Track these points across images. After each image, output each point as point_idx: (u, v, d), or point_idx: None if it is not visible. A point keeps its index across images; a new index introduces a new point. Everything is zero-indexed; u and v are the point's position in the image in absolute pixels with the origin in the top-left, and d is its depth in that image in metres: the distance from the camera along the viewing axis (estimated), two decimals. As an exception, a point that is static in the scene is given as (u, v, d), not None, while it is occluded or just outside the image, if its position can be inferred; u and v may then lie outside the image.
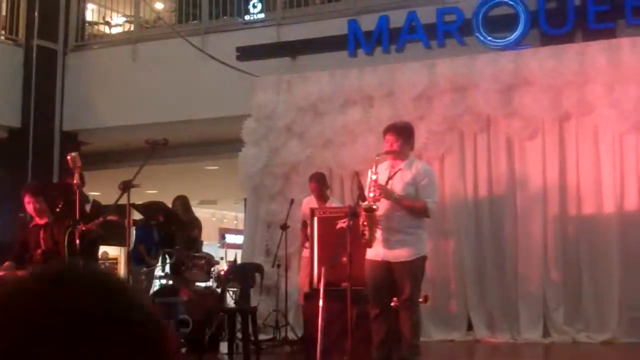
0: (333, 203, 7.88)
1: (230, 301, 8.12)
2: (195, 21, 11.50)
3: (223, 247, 10.45)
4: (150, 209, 6.80)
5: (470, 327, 8.43)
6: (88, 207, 6.02)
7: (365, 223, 5.33)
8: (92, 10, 12.99)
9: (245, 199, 10.47)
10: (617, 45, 8.08)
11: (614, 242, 7.99)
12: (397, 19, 9.23)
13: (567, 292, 8.17)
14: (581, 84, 8.16)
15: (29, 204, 6.32)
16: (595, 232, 8.12)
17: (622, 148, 8.11)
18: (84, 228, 5.18)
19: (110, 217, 5.34)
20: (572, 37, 8.60)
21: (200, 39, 10.69)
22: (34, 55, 11.41)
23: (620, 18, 8.47)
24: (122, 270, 18.69)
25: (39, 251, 6.23)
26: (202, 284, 8.34)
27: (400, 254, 5.39)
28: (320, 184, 7.92)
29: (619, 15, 8.46)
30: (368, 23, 9.41)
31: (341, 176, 9.08)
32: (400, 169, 5.49)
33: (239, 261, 9.06)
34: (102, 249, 18.72)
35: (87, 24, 12.54)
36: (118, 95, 11.19)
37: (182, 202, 8.59)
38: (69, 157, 5.41)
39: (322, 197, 7.93)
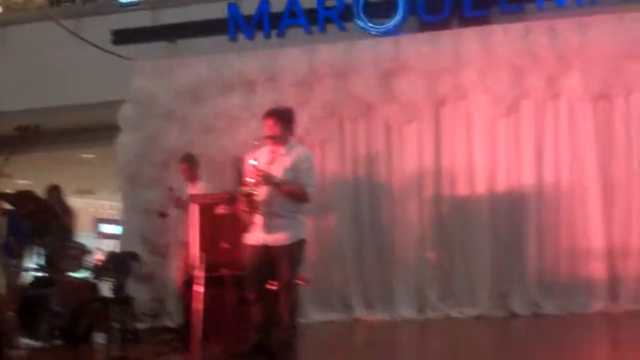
0: (203, 186, 7.79)
1: (108, 291, 7.91)
2: (68, 3, 11.10)
3: (99, 237, 10.20)
4: (20, 198, 6.53)
5: (349, 307, 8.56)
6: None
7: (245, 209, 5.30)
8: (-43, -10, 12.32)
9: (121, 187, 10.22)
10: (490, 32, 8.40)
11: (485, 222, 8.35)
12: (278, 3, 9.25)
13: (441, 271, 8.49)
14: (456, 69, 8.44)
15: None
16: (468, 213, 8.45)
17: (494, 132, 8.44)
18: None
19: None
20: (448, 24, 8.88)
21: (74, 22, 10.32)
22: None
23: (495, 5, 8.81)
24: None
25: None
26: (77, 275, 8.10)
27: (279, 238, 5.41)
28: (189, 164, 7.84)
29: (493, 2, 8.80)
30: (249, 7, 9.40)
31: (222, 163, 8.99)
32: (280, 154, 5.49)
33: (117, 251, 8.84)
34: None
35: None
36: (-14, 80, 10.66)
37: (55, 191, 8.31)
38: None
39: (192, 177, 7.84)
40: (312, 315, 8.28)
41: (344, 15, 9.10)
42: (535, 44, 8.17)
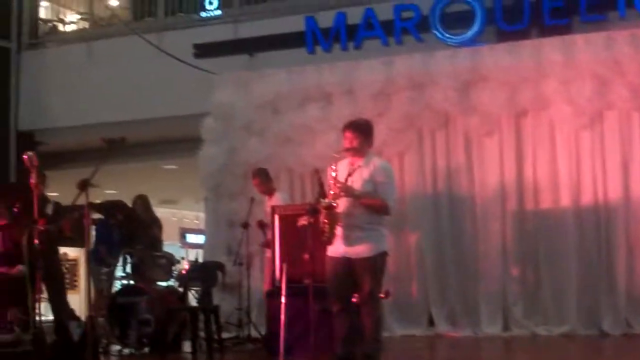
0: (280, 197, 7.94)
1: (192, 300, 8.13)
2: (151, 18, 11.44)
3: (184, 247, 10.44)
4: (110, 208, 6.79)
5: (431, 322, 8.57)
6: (50, 209, 6.01)
7: (325, 220, 5.39)
8: (46, 7, 12.83)
9: (205, 198, 10.47)
10: (572, 41, 8.28)
11: (570, 236, 8.18)
12: (355, 15, 9.32)
13: (526, 287, 8.36)
14: (537, 80, 8.34)
15: (-12, 205, 6.28)
16: (553, 227, 8.29)
17: (577, 143, 8.31)
18: (42, 228, 5.17)
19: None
20: (527, 34, 8.79)
21: (157, 36, 10.64)
22: (-14, 52, 11.26)
23: (575, 14, 8.68)
24: (82, 271, 18.55)
25: (-2, 252, 6.21)
26: (164, 283, 8.35)
27: (360, 250, 5.45)
28: (261, 179, 8.00)
29: (573, 11, 8.67)
30: (326, 20, 9.49)
31: (301, 174, 9.15)
32: (359, 166, 5.55)
33: (200, 260, 9.07)
34: (62, 250, 18.52)
35: (40, 22, 12.38)
36: (74, 94, 11.09)
37: (142, 201, 8.57)
38: (25, 157, 5.39)
39: (267, 191, 8.01)
40: (394, 328, 8.31)
41: (421, 26, 9.10)
42: (619, 53, 8.00)
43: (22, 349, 5.14)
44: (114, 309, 7.57)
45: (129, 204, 8.50)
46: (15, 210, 5.91)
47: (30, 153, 5.44)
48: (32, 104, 11.42)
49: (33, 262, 5.53)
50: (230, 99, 9.43)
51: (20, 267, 5.79)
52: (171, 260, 8.19)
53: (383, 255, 5.58)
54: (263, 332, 7.74)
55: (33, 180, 5.34)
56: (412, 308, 8.61)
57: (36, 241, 5.18)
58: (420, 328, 8.51)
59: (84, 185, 5.11)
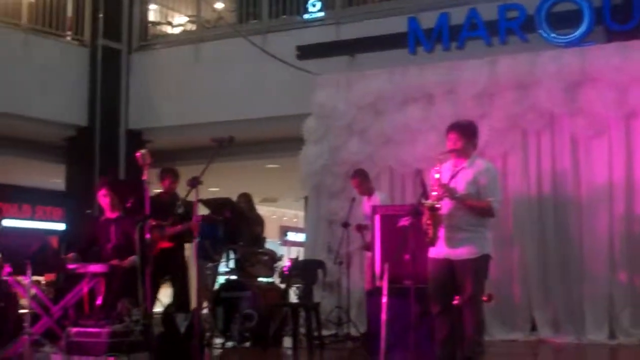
0: (379, 197, 7.94)
1: (293, 297, 8.24)
2: (255, 20, 11.64)
3: (284, 245, 10.56)
4: (219, 205, 6.96)
5: (534, 327, 8.37)
6: (181, 208, 6.21)
7: (428, 222, 5.35)
8: (155, 10, 13.26)
9: (305, 197, 10.58)
10: (685, 41, 7.92)
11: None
12: (458, 16, 9.21)
13: (634, 293, 8.03)
14: (647, 80, 8.03)
15: (106, 197, 6.52)
16: (663, 231, 7.97)
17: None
18: (154, 223, 5.34)
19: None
20: (638, 33, 8.46)
21: (261, 38, 10.82)
22: (99, 55, 11.72)
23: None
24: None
25: (110, 245, 6.45)
26: (266, 280, 8.50)
27: (462, 252, 5.39)
28: (360, 179, 8.02)
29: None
30: (428, 20, 9.41)
31: (402, 175, 9.12)
32: (462, 168, 5.50)
33: (301, 258, 9.18)
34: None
35: (149, 24, 12.81)
36: (181, 94, 11.41)
37: (246, 199, 8.74)
38: (138, 154, 5.57)
39: (366, 191, 8.01)
40: (495, 333, 8.15)
41: (526, 26, 8.89)
42: None
43: (132, 339, 5.32)
44: (218, 303, 7.75)
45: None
46: (128, 205, 6.11)
47: (143, 151, 5.62)
48: (141, 104, 11.82)
49: (144, 255, 5.73)
50: (331, 99, 9.50)
51: (133, 259, 5.99)
52: (273, 257, 8.34)
53: (486, 257, 5.50)
54: (362, 331, 7.77)
55: (145, 177, 5.51)
56: (514, 312, 8.42)
57: (148, 235, 5.36)
58: (522, 333, 8.31)
59: (194, 183, 5.24)
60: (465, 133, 5.55)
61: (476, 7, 9.13)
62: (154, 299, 6.89)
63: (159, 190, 7.56)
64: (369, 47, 9.89)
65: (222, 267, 8.32)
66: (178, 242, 7.15)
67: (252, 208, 8.62)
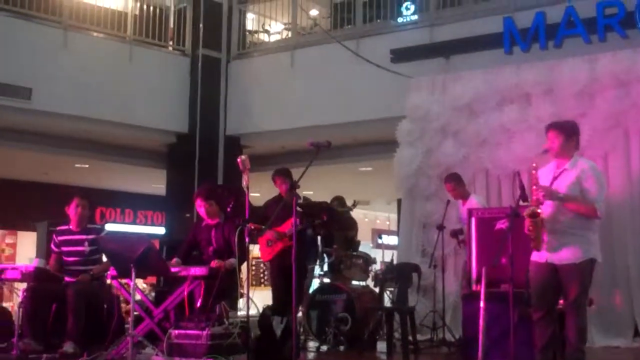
0: (476, 200, 7.73)
1: (387, 301, 8.12)
2: (349, 26, 11.59)
3: (377, 248, 10.45)
4: (317, 208, 6.92)
5: (636, 333, 7.95)
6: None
7: (531, 228, 5.14)
8: (252, 19, 13.42)
9: (398, 200, 10.44)
10: None
11: None
12: (554, 14, 8.89)
13: None
14: None
15: (201, 207, 6.61)
16: None
17: None
18: (252, 227, 5.34)
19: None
20: None
21: (355, 43, 10.76)
22: (199, 64, 11.94)
23: None
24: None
25: (211, 249, 6.51)
26: (360, 283, 8.41)
27: (566, 256, 5.17)
28: (454, 183, 7.83)
29: None
30: (524, 20, 9.13)
31: (498, 177, 8.87)
32: (565, 169, 5.27)
33: (395, 262, 9.05)
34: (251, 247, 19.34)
35: (247, 33, 12.96)
36: (277, 100, 11.49)
37: (340, 202, 8.69)
38: (239, 160, 5.57)
39: (461, 196, 7.82)
40: (596, 339, 7.78)
41: (626, 22, 8.48)
42: None
43: (230, 341, 5.34)
44: (313, 307, 7.71)
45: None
46: (228, 210, 6.15)
47: (243, 157, 5.62)
48: (239, 111, 11.96)
49: (242, 259, 5.74)
50: (426, 101, 9.35)
51: (232, 261, 6.02)
52: (368, 260, 8.24)
53: (591, 262, 5.27)
54: (457, 336, 7.58)
55: (245, 182, 5.51)
56: (615, 318, 8.01)
57: (247, 239, 5.36)
58: (625, 339, 7.90)
59: (293, 186, 5.22)
60: (565, 131, 5.33)
61: (574, 4, 8.78)
62: (281, 302, 6.95)
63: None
64: (463, 49, 9.68)
65: (317, 271, 8.27)
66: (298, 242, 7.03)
67: (344, 211, 8.51)
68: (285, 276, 6.95)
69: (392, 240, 11.30)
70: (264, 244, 7.02)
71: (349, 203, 8.80)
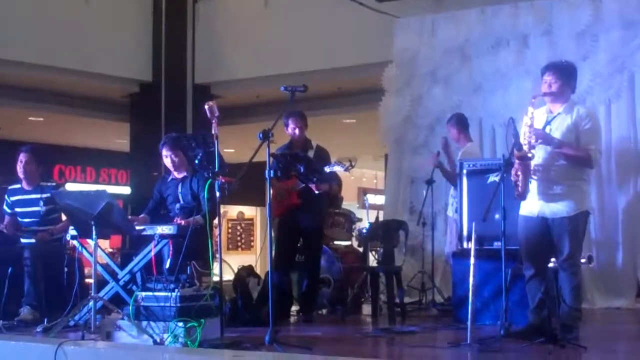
0: (472, 147, 7.84)
1: (372, 261, 8.30)
2: (330, -39, 11.54)
3: (363, 208, 10.60)
4: (290, 159, 7.01)
5: (639, 293, 8.21)
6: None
7: (518, 173, 5.29)
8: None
9: (385, 155, 10.56)
10: None
11: None
12: (555, -53, 8.94)
13: None
14: None
15: (167, 158, 6.70)
16: None
17: None
18: (223, 180, 5.45)
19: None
20: None
21: (336, -21, 10.75)
22: (163, 3, 11.86)
23: None
24: (258, 230, 19.42)
25: (178, 205, 6.63)
26: (343, 243, 8.58)
27: (558, 209, 5.33)
28: (459, 126, 7.92)
29: None
30: (522, -47, 9.17)
31: (492, 126, 9.01)
32: (559, 114, 5.41)
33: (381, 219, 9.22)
34: (238, 208, 19.53)
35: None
36: (251, 44, 11.46)
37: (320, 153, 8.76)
38: (206, 106, 5.63)
39: (462, 140, 7.93)
40: (596, 300, 8.02)
41: (635, -44, 8.59)
42: None
43: (202, 304, 5.49)
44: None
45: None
46: (196, 162, 6.25)
47: (210, 103, 5.68)
48: (209, 56, 11.94)
49: (212, 215, 5.86)
50: (414, 44, 9.43)
51: (197, 218, 6.14)
52: (351, 219, 8.39)
53: (584, 214, 5.44)
54: (447, 297, 7.80)
55: (214, 131, 5.60)
56: (617, 277, 8.22)
57: (218, 194, 5.46)
58: (626, 300, 8.14)
59: (265, 136, 5.31)
60: (563, 74, 5.46)
61: None
62: (288, 264, 7.08)
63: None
64: (456, -15, 9.70)
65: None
66: (310, 198, 7.02)
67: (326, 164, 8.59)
68: (292, 237, 7.14)
69: (380, 199, 11.44)
70: (275, 197, 7.10)
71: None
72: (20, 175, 7.04)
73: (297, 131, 7.21)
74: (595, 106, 7.90)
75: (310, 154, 7.13)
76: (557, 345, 4.97)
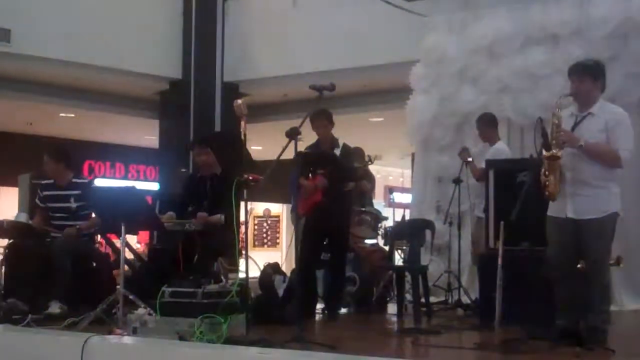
0: (501, 147, 7.75)
1: (398, 260, 8.25)
2: (360, -40, 11.50)
3: (390, 206, 10.51)
4: (321, 159, 6.97)
5: (669, 295, 8.09)
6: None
7: (547, 173, 5.21)
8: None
9: (412, 154, 10.50)
10: None
11: None
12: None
13: None
14: None
15: (199, 156, 6.69)
16: None
17: None
18: (250, 177, 5.42)
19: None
20: None
21: (363, -21, 10.72)
22: (194, 2, 11.91)
23: None
24: (284, 227, 19.41)
25: (206, 203, 6.63)
26: (370, 241, 8.53)
27: (588, 211, 5.24)
28: (486, 126, 7.84)
29: None
30: (553, -47, 9.07)
31: (521, 126, 8.91)
32: (589, 114, 5.32)
33: (407, 218, 9.15)
34: (264, 205, 19.55)
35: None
36: (279, 43, 11.49)
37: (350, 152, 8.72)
38: (235, 105, 5.60)
39: (490, 139, 7.85)
40: (625, 302, 7.91)
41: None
42: None
43: (228, 300, 5.46)
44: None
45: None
46: (224, 160, 6.22)
47: (239, 101, 5.65)
48: (238, 54, 11.97)
49: (237, 213, 5.84)
50: (442, 43, 9.37)
51: (218, 216, 6.12)
52: (377, 217, 8.34)
53: (614, 216, 5.34)
54: (474, 298, 7.71)
55: (243, 129, 5.57)
56: (645, 279, 8.14)
57: (245, 191, 5.43)
58: (657, 302, 8.04)
59: (292, 134, 5.27)
60: (591, 74, 5.37)
61: None
62: (313, 263, 7.03)
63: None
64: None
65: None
66: (336, 197, 6.93)
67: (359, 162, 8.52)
68: (318, 235, 7.08)
69: (406, 198, 11.39)
70: (302, 195, 7.05)
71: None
72: (49, 175, 7.08)
73: (322, 130, 7.14)
74: (627, 106, 7.73)
75: (337, 152, 7.06)
76: (584, 348, 4.88)
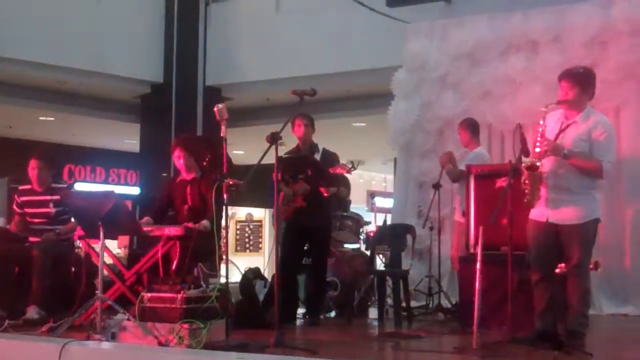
0: (480, 153, 7.77)
1: (379, 264, 8.25)
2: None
3: (372, 211, 10.53)
4: (298, 163, 6.97)
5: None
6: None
7: (526, 182, 5.23)
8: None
9: (394, 159, 10.53)
10: None
11: None
12: (566, -46, 8.90)
13: None
14: None
15: (180, 159, 6.66)
16: None
17: None
18: (231, 182, 5.40)
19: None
20: None
21: (348, -16, 10.73)
22: (176, 5, 11.88)
23: None
24: (266, 232, 19.38)
25: (186, 207, 6.59)
26: (351, 246, 8.54)
27: (569, 216, 5.25)
28: (470, 130, 7.85)
29: None
30: (534, -41, 9.14)
31: (501, 132, 8.95)
32: (574, 122, 5.32)
33: (388, 223, 9.17)
34: (246, 210, 19.50)
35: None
36: (262, 47, 11.49)
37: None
38: (215, 109, 5.59)
39: (471, 144, 7.86)
40: (603, 306, 7.97)
41: (644, -37, 8.53)
42: None
43: (208, 305, 5.44)
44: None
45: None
46: (205, 164, 6.19)
47: (220, 105, 5.64)
48: (220, 58, 11.96)
49: (219, 218, 5.82)
50: (424, 49, 9.41)
51: (205, 223, 6.10)
52: (359, 222, 8.34)
53: (594, 222, 5.35)
54: (454, 302, 7.73)
55: (223, 133, 5.56)
56: (624, 284, 8.17)
57: (226, 196, 5.41)
58: (633, 307, 8.06)
59: (273, 139, 5.26)
60: (580, 82, 5.35)
61: (587, -58, 8.79)
62: (294, 267, 7.02)
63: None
64: (467, -9, 9.68)
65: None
66: (317, 201, 6.97)
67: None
68: (299, 239, 7.08)
69: (388, 203, 11.43)
70: (282, 200, 7.04)
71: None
72: (32, 179, 7.00)
73: (302, 128, 7.14)
74: (604, 113, 7.78)
75: (317, 157, 7.07)
76: (562, 351, 4.91)
